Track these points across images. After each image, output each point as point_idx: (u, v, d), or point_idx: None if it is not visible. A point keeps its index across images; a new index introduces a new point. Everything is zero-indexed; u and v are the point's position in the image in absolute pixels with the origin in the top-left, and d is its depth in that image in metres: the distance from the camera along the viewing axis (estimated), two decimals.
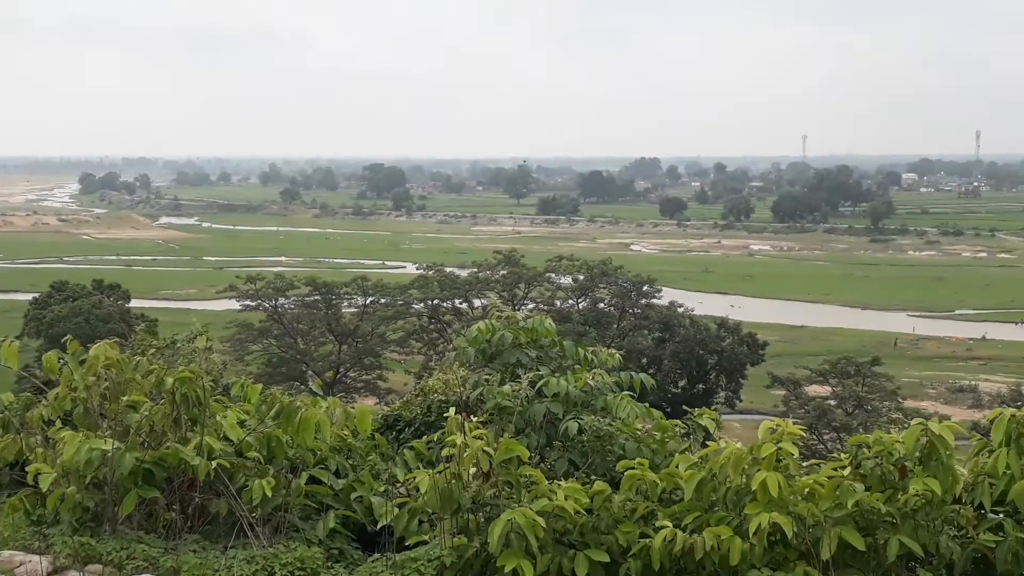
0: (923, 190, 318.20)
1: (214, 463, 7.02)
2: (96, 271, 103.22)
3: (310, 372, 65.84)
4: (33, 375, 9.66)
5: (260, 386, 7.96)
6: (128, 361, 7.78)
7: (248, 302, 69.58)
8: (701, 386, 62.38)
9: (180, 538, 6.95)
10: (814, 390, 59.70)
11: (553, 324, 9.26)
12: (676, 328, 63.24)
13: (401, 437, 8.98)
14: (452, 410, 6.88)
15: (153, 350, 10.87)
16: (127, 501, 6.93)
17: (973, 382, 77.88)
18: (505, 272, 68.25)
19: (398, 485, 7.28)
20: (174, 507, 7.10)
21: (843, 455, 6.41)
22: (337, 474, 7.57)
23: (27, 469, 7.26)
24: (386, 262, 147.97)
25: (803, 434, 6.38)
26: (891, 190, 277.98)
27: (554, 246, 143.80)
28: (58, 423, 7.59)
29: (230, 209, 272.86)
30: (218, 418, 7.47)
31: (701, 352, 61.78)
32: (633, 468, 6.57)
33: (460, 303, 67.56)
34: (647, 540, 6.14)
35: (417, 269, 73.93)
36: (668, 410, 11.11)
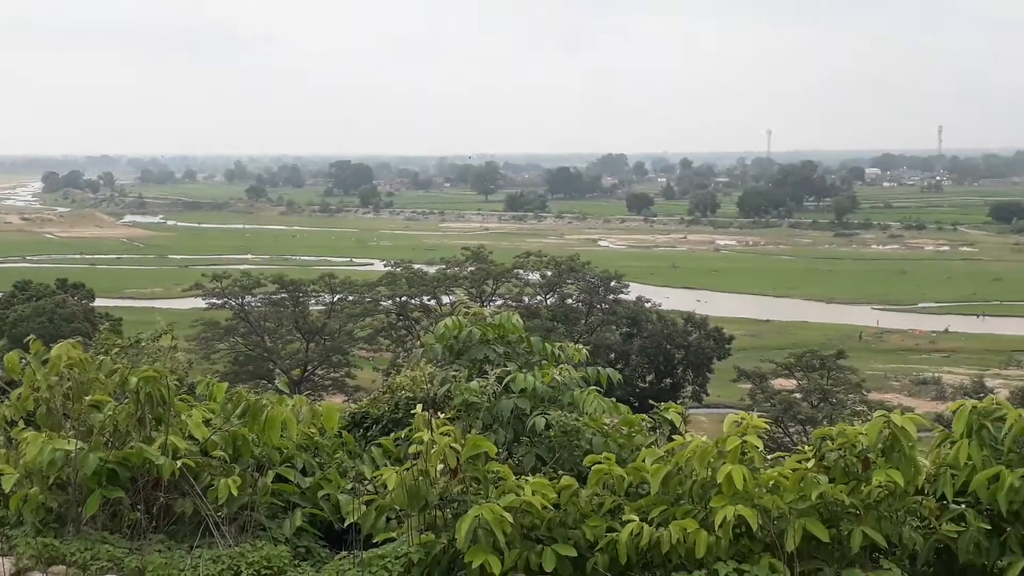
0: (886, 185, 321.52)
1: (179, 462, 6.97)
2: (60, 270, 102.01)
3: (277, 370, 65.51)
4: None
5: (226, 384, 7.93)
6: (91, 360, 7.72)
7: (214, 300, 69.11)
8: (668, 380, 62.68)
9: (145, 538, 6.90)
10: (780, 383, 60.16)
11: (520, 320, 9.27)
12: (643, 323, 63.51)
13: (369, 434, 8.96)
14: (419, 407, 6.87)
15: (117, 349, 10.77)
16: (91, 501, 6.88)
17: (936, 374, 78.81)
18: (473, 269, 68.26)
19: (365, 482, 7.26)
20: (139, 507, 7.05)
21: (807, 448, 6.46)
22: (304, 472, 7.54)
23: None
24: (354, 259, 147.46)
25: (767, 427, 6.44)
26: (855, 185, 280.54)
27: (522, 242, 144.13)
28: (21, 423, 7.51)
29: (195, 207, 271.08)
30: (183, 417, 7.42)
31: (668, 347, 62.08)
32: (600, 463, 6.60)
33: (428, 300, 67.50)
34: (614, 534, 6.16)
35: (385, 266, 73.67)
36: (636, 404, 11.17)
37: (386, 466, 7.05)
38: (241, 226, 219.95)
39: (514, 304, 63.63)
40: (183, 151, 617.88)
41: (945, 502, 6.18)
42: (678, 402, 8.82)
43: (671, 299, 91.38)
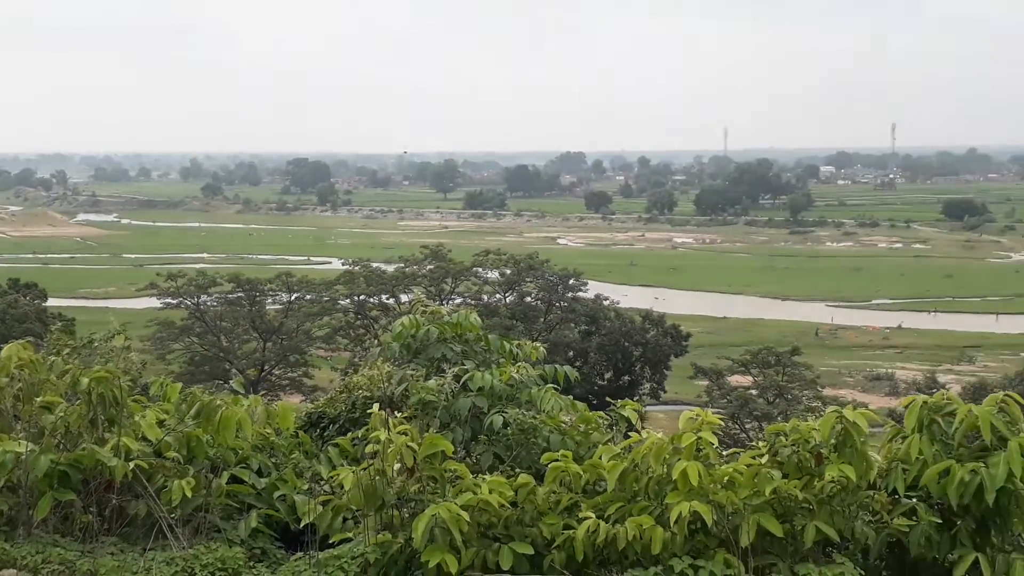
0: (840, 182, 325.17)
1: (132, 464, 6.90)
2: (11, 270, 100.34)
3: (234, 370, 64.95)
4: None
5: (180, 385, 7.86)
6: (43, 361, 7.62)
7: (169, 300, 68.43)
8: (627, 378, 62.95)
9: (97, 541, 6.82)
10: (736, 380, 60.66)
11: (478, 318, 9.28)
12: (602, 321, 63.75)
13: (325, 434, 8.91)
14: (376, 406, 6.85)
15: (69, 350, 10.61)
16: (42, 504, 6.79)
17: (890, 370, 79.87)
18: (432, 267, 68.14)
19: (322, 483, 7.22)
20: (91, 509, 6.97)
21: (762, 444, 6.52)
22: (260, 473, 7.49)
23: None
24: (311, 258, 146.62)
25: (722, 423, 6.48)
26: (810, 183, 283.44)
27: (481, 240, 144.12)
28: None
29: (150, 205, 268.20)
30: (136, 418, 7.35)
31: (626, 344, 62.36)
32: (557, 460, 6.62)
33: (387, 298, 67.24)
34: (571, 531, 6.18)
35: (343, 265, 73.30)
36: (595, 402, 11.23)
37: (343, 466, 7.02)
38: (197, 225, 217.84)
39: (473, 302, 63.56)
40: (138, 149, 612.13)
41: (897, 496, 6.26)
42: (636, 399, 8.87)
43: (629, 297, 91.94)
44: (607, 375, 62.52)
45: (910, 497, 6.26)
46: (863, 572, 6.03)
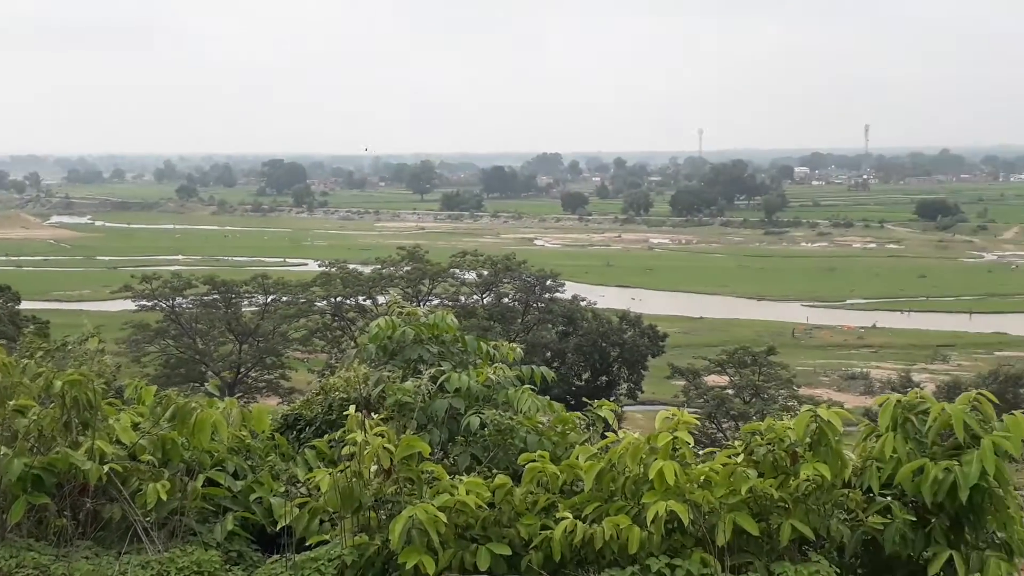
0: (815, 183, 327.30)
1: (106, 467, 6.86)
2: None
3: (209, 373, 64.59)
4: None
5: (155, 388, 7.81)
6: (15, 364, 7.55)
7: (144, 302, 67.96)
8: (604, 378, 63.05)
9: (72, 545, 6.78)
10: (713, 380, 60.89)
11: (455, 319, 9.26)
12: (579, 321, 63.81)
13: (302, 437, 8.88)
14: (352, 408, 6.83)
15: (42, 353, 10.53)
16: (16, 508, 6.74)
17: (864, 369, 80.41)
18: (409, 268, 67.98)
19: (298, 485, 7.20)
20: (65, 513, 6.93)
21: (738, 443, 6.55)
22: (235, 476, 7.46)
23: None
24: (287, 260, 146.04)
25: (698, 423, 6.51)
26: (784, 183, 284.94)
27: (458, 242, 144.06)
28: None
29: (124, 207, 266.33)
30: (111, 421, 7.31)
31: (604, 345, 62.45)
32: (534, 461, 6.62)
33: (364, 300, 67.05)
34: (548, 532, 6.19)
35: (319, 266, 73.03)
36: (572, 403, 11.22)
37: (320, 468, 7.00)
38: (171, 226, 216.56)
39: (450, 304, 63.47)
40: (111, 150, 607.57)
41: (871, 494, 6.30)
42: (613, 399, 8.89)
43: (606, 297, 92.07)
44: (585, 375, 62.59)
45: (885, 495, 6.30)
46: (838, 570, 6.07)
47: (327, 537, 6.57)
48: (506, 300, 68.41)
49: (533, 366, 8.79)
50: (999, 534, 6.27)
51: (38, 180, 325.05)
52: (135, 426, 7.42)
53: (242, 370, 66.11)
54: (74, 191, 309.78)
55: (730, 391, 56.95)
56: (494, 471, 7.11)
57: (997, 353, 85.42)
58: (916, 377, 68.75)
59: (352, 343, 59.39)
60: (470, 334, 9.39)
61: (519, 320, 66.56)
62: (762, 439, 6.32)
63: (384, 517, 6.39)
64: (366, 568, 6.30)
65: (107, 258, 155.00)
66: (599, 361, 62.80)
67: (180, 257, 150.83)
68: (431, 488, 6.42)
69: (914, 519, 6.13)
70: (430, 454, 6.65)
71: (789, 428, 6.28)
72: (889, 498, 6.27)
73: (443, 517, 6.03)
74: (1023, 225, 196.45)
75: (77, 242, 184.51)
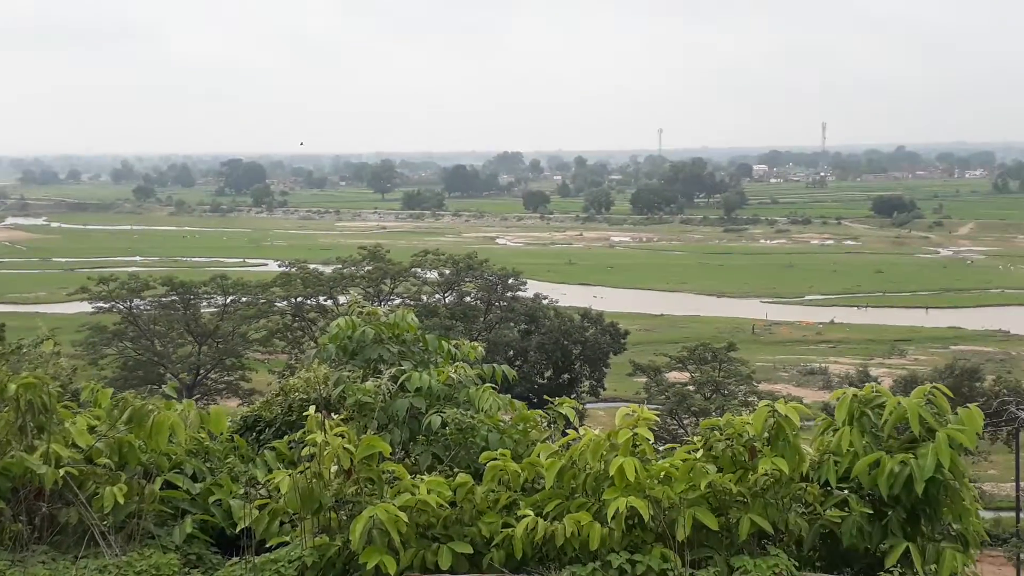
0: (773, 181, 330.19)
1: (62, 471, 6.77)
2: None
3: (168, 375, 63.92)
4: None
5: (111, 390, 7.72)
6: None
7: (101, 304, 67.08)
8: (566, 376, 63.17)
9: (28, 550, 6.68)
10: (674, 376, 61.23)
11: (416, 318, 9.24)
12: (541, 320, 63.88)
13: (262, 438, 8.81)
14: (312, 408, 6.80)
15: None
16: None
17: (823, 364, 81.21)
18: (370, 268, 67.68)
19: (258, 487, 7.15)
20: (21, 518, 6.83)
21: (697, 439, 6.59)
22: (194, 478, 7.39)
23: None
24: (247, 260, 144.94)
25: (658, 419, 6.54)
26: (743, 181, 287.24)
27: (420, 241, 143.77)
28: None
29: (81, 208, 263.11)
30: (67, 424, 7.21)
31: (566, 343, 62.57)
32: (495, 459, 6.63)
33: (325, 300, 66.65)
34: (509, 530, 6.20)
35: (280, 266, 72.44)
36: (535, 400, 11.25)
37: (279, 470, 6.96)
38: (129, 227, 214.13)
39: (412, 303, 63.25)
40: (67, 151, 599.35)
41: (829, 488, 6.37)
42: (576, 397, 8.93)
43: (568, 295, 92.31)
44: (547, 374, 62.68)
45: (842, 488, 6.37)
46: (796, 563, 6.13)
47: (287, 538, 6.54)
48: (468, 299, 68.32)
49: (495, 364, 8.79)
50: (955, 526, 6.36)
51: None
52: (91, 429, 7.33)
53: (201, 372, 65.49)
54: (29, 192, 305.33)
55: (691, 387, 57.26)
56: (456, 470, 7.10)
57: (953, 348, 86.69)
58: (874, 372, 69.58)
59: (313, 343, 59.08)
60: (431, 333, 9.37)
61: (481, 319, 66.50)
62: (721, 435, 6.37)
63: (345, 517, 6.37)
64: (327, 569, 6.27)
65: (63, 260, 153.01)
66: (561, 359, 62.90)
67: (138, 258, 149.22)
68: (392, 488, 6.40)
69: (871, 512, 6.20)
70: (391, 454, 6.63)
71: (748, 423, 6.34)
72: (846, 491, 6.34)
73: (404, 517, 6.02)
74: (978, 221, 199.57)
75: (32, 244, 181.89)
